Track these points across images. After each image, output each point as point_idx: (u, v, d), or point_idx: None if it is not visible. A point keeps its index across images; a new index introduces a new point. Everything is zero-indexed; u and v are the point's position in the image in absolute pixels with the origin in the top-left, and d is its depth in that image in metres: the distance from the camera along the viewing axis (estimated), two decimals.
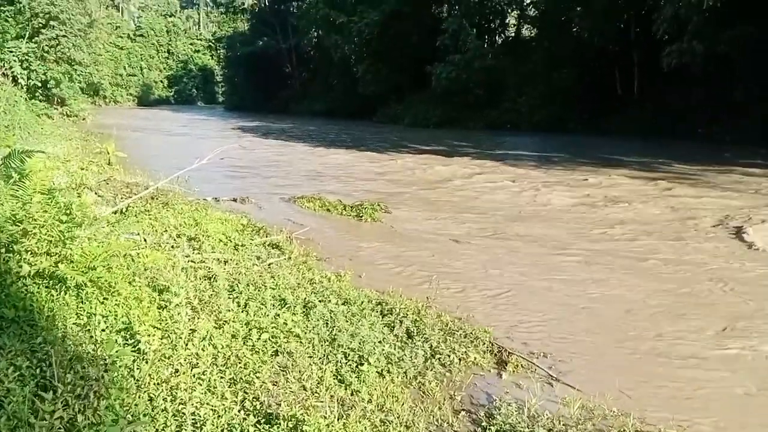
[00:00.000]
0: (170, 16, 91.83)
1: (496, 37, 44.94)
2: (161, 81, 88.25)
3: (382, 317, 5.21)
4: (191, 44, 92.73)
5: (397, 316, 5.21)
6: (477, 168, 17.82)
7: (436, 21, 41.81)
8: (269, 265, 6.45)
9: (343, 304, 5.35)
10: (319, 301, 5.23)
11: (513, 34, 45.29)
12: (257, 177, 16.10)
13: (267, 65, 59.88)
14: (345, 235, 9.33)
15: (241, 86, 66.01)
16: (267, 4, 63.28)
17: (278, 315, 4.75)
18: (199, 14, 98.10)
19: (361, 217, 10.46)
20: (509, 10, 44.66)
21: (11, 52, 26.58)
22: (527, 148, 23.61)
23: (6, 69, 26.32)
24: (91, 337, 3.45)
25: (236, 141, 24.92)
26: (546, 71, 33.94)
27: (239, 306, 4.81)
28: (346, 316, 5.01)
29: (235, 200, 11.69)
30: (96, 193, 8.46)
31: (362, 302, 5.46)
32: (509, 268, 7.52)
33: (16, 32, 27.28)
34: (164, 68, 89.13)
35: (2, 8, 27.17)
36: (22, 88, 26.66)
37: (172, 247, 6.32)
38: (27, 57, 27.43)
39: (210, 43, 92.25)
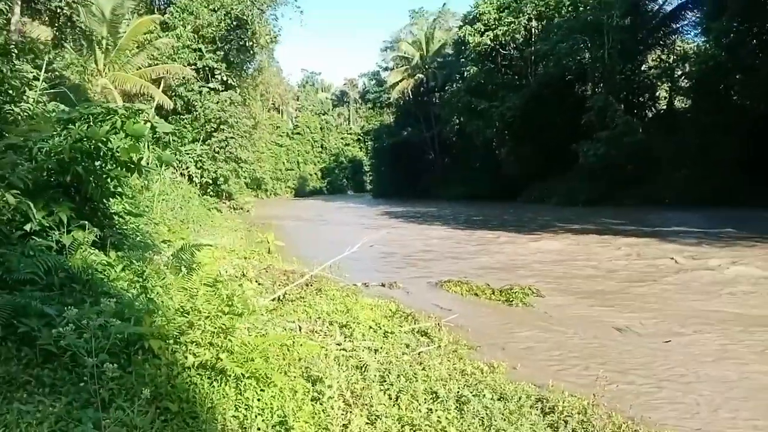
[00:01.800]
0: (323, 114, 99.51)
1: (647, 111, 43.12)
2: (315, 173, 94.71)
3: (544, 416, 4.75)
4: (342, 138, 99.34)
5: (561, 415, 4.73)
6: (635, 247, 16.60)
7: (580, 99, 41.19)
8: (419, 354, 6.27)
9: (498, 399, 4.98)
10: (473, 396, 4.91)
11: (665, 107, 43.19)
12: (403, 262, 16.23)
13: (411, 153, 62.18)
14: (495, 321, 8.92)
15: (386, 174, 68.79)
16: (411, 96, 66.49)
17: (431, 410, 4.51)
18: (349, 111, 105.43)
19: (512, 301, 10.01)
20: (659, 83, 42.92)
21: (188, 154, 30.03)
22: (692, 224, 21.68)
23: (183, 169, 29.69)
24: None
25: (383, 227, 25.62)
26: (704, 142, 31.61)
27: (391, 399, 4.64)
28: (503, 414, 4.64)
29: (383, 285, 11.79)
30: (257, 281, 8.93)
31: (520, 398, 5.04)
32: (688, 362, 6.65)
33: (192, 136, 30.91)
34: (318, 161, 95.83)
35: (182, 116, 31.05)
36: (196, 185, 29.82)
37: (325, 335, 6.38)
38: (201, 158, 30.82)
39: (359, 136, 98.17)
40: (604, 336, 7.88)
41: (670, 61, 41.97)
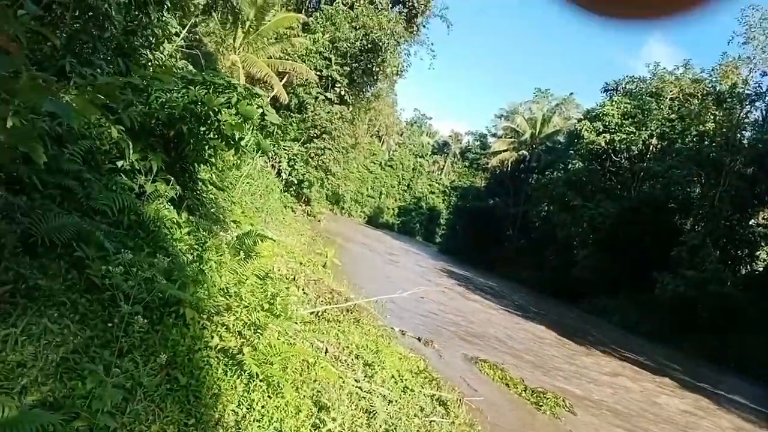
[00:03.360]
0: (420, 157, 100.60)
1: (741, 266, 40.84)
2: (393, 209, 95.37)
3: None
4: (429, 185, 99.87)
5: None
6: (691, 401, 15.53)
7: (676, 230, 39.57)
8: (431, 422, 6.03)
9: None
10: None
11: (761, 269, 40.78)
12: (447, 324, 15.87)
13: (490, 223, 61.54)
14: (517, 421, 8.49)
15: (459, 234, 68.30)
16: (509, 169, 66.24)
17: None
18: (445, 162, 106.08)
19: (541, 406, 9.51)
20: (763, 244, 40.65)
21: (285, 149, 30.98)
22: (753, 399, 20.10)
23: (275, 162, 30.61)
24: None
25: (441, 284, 25.32)
26: None
27: None
28: None
29: (419, 339, 11.54)
30: (303, 290, 8.95)
31: None
32: None
33: (294, 135, 31.91)
34: (399, 199, 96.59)
35: (292, 114, 32.16)
36: (281, 180, 30.63)
37: (348, 366, 6.27)
38: (295, 157, 31.71)
39: (445, 189, 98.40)
40: None
41: None
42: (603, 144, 46.94)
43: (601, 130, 47.37)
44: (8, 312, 3.21)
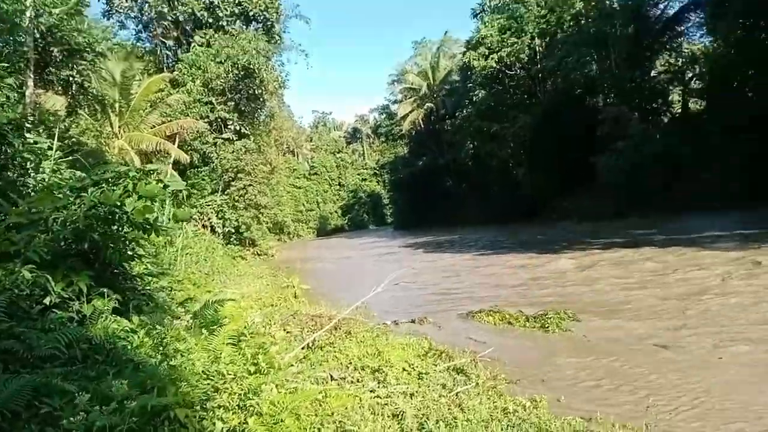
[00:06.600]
0: (338, 153, 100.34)
1: (662, 116, 42.54)
2: (336, 211, 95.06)
3: None
4: (358, 174, 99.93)
5: None
6: (670, 258, 16.17)
7: (592, 111, 40.85)
8: (456, 394, 6.02)
9: None
10: None
11: (680, 111, 42.63)
12: (430, 294, 15.95)
13: (428, 182, 62.12)
14: (533, 350, 8.60)
15: (406, 205, 68.73)
16: (422, 126, 66.95)
17: None
18: (362, 147, 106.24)
19: (547, 328, 9.68)
20: (671, 88, 42.45)
21: (209, 205, 30.29)
22: (723, 228, 21.08)
23: (205, 221, 29.90)
24: None
25: (407, 261, 25.41)
26: (724, 143, 30.84)
27: None
28: None
29: (413, 321, 11.53)
30: (285, 330, 8.77)
31: None
32: (746, 382, 6.28)
33: (211, 188, 31.19)
34: (337, 199, 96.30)
35: (200, 169, 31.38)
36: (219, 235, 29.97)
37: (357, 381, 6.18)
38: (221, 208, 31.06)
39: (375, 171, 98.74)
40: (648, 356, 7.54)
41: (680, 64, 41.64)
42: (494, 64, 47.85)
43: (486, 53, 48.26)
44: None
